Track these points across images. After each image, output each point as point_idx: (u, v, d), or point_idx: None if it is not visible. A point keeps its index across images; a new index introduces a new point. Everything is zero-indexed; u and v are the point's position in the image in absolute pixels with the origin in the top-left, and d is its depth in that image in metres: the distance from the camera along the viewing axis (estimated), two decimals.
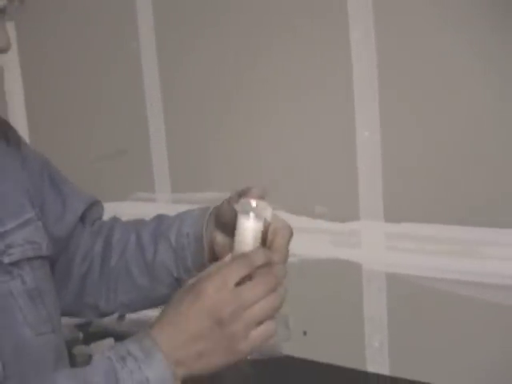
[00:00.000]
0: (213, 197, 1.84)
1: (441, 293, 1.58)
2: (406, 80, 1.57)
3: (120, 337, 1.91)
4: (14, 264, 1.05)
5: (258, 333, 0.87)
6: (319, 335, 1.81)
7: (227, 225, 1.00)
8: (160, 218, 1.18)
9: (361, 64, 1.61)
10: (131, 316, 2.03)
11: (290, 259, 1.89)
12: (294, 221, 1.75)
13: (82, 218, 1.22)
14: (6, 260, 1.04)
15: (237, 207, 0.94)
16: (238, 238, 0.92)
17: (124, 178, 2.12)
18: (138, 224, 1.20)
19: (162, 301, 1.16)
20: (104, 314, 1.23)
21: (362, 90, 1.63)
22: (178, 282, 1.13)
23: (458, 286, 1.56)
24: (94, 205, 1.24)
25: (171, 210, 1.23)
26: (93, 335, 2.04)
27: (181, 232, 1.12)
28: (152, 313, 1.99)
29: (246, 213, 0.92)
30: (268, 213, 0.93)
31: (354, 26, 1.60)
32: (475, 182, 1.52)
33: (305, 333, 1.84)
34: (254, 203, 0.92)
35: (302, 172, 1.77)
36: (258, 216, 0.92)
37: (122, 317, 2.07)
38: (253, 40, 1.78)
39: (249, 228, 0.92)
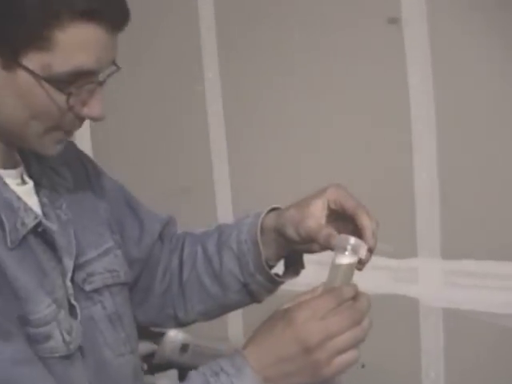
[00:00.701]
0: None
1: (497, 327, 1.64)
2: (462, 122, 1.64)
3: (182, 368, 1.99)
4: (95, 291, 1.13)
5: (340, 361, 0.95)
6: (377, 368, 1.86)
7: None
8: (220, 229, 1.27)
9: (419, 107, 1.69)
10: (193, 348, 2.12)
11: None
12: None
13: (160, 237, 1.30)
14: (88, 288, 1.12)
15: (333, 243, 1.01)
16: (331, 272, 0.99)
17: (187, 216, 2.20)
18: (202, 236, 1.29)
19: (234, 307, 1.28)
20: (184, 324, 1.32)
21: (419, 133, 1.70)
22: (246, 287, 1.22)
23: None
24: (169, 223, 1.33)
25: None
26: (157, 366, 2.11)
27: (240, 240, 1.20)
28: (214, 345, 2.08)
29: (343, 248, 0.99)
30: (363, 251, 1.00)
31: (412, 71, 1.68)
32: None
33: (363, 365, 1.89)
34: (351, 240, 0.99)
35: None
36: (353, 252, 0.99)
37: (184, 349, 2.16)
38: (315, 82, 1.87)
39: (343, 263, 0.99)
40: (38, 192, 1.11)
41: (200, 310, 1.28)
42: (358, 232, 1.06)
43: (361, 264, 1.03)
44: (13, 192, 1.05)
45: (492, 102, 1.60)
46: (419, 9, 1.64)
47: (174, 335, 2.11)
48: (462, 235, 1.68)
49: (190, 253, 1.28)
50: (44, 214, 1.09)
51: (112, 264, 1.17)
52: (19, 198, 1.05)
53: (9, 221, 1.02)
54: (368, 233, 1.06)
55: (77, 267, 1.11)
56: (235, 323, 2.13)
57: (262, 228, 1.17)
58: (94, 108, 1.03)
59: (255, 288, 1.22)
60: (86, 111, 1.03)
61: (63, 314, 1.05)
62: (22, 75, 0.98)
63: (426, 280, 1.75)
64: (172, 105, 2.21)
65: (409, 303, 1.78)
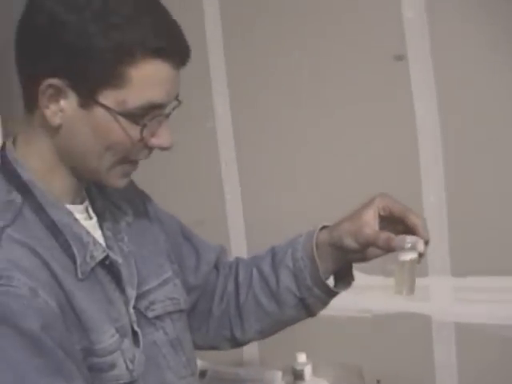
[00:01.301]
0: None
1: (508, 339, 1.75)
2: (468, 148, 1.77)
3: None
4: (157, 318, 1.21)
5: None
6: (392, 383, 1.96)
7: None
8: (273, 251, 1.36)
9: (425, 136, 1.81)
10: (211, 374, 2.20)
11: (364, 315, 2.07)
12: (367, 279, 1.95)
13: (215, 265, 1.40)
14: (150, 315, 1.19)
15: (394, 244, 1.14)
16: (398, 270, 1.12)
17: None
18: (255, 260, 1.39)
19: (289, 322, 1.38)
20: (241, 344, 1.41)
21: (427, 160, 1.83)
22: (302, 302, 1.31)
23: None
24: (222, 252, 1.43)
25: None
26: None
27: (296, 257, 1.30)
28: (231, 370, 2.16)
29: (403, 247, 1.12)
30: (421, 245, 1.13)
31: (419, 104, 1.81)
32: None
33: (378, 382, 1.99)
34: (409, 239, 1.13)
35: None
36: (412, 249, 1.11)
37: (203, 374, 2.23)
38: (326, 118, 1.99)
39: (407, 260, 1.12)
40: (101, 226, 1.18)
41: (257, 328, 1.37)
42: (409, 231, 1.17)
43: (421, 257, 1.15)
44: (83, 227, 1.12)
45: (495, 128, 1.74)
46: (423, 45, 1.77)
47: None
48: (470, 253, 1.79)
49: (245, 276, 1.37)
50: (108, 246, 1.16)
51: (172, 292, 1.25)
52: (88, 233, 1.12)
53: (80, 254, 1.09)
54: (420, 229, 1.17)
55: (140, 296, 1.18)
56: (250, 348, 2.21)
57: (316, 244, 1.27)
58: (163, 138, 1.11)
59: (312, 301, 1.31)
60: (155, 141, 1.11)
61: (126, 343, 1.12)
62: (98, 111, 1.05)
63: (438, 297, 1.85)
64: (184, 140, 2.29)
65: (421, 320, 1.88)
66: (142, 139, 1.09)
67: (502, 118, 1.73)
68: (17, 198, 1.09)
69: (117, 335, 1.10)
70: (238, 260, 1.42)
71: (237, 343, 1.41)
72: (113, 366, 1.09)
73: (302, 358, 1.99)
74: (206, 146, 2.24)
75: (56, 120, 1.07)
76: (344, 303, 1.98)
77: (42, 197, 1.10)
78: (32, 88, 1.07)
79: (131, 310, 1.15)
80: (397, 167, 1.88)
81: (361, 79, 1.89)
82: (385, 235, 1.18)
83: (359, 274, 1.94)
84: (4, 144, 1.15)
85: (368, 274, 1.94)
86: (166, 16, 1.09)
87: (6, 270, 0.99)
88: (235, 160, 2.18)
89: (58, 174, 1.12)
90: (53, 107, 1.07)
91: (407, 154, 1.85)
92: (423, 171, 1.84)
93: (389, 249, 1.18)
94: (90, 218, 1.18)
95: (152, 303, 1.21)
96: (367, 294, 1.96)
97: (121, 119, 1.06)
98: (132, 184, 1.31)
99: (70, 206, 1.13)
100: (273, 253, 1.36)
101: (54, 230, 1.09)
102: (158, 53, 1.05)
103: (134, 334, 1.15)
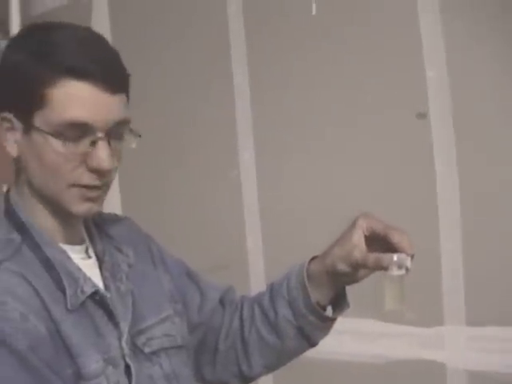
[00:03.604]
0: None
1: None
2: (485, 199, 1.86)
3: None
4: (153, 353, 1.28)
5: None
6: None
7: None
8: (271, 285, 1.42)
9: (444, 190, 1.90)
10: None
11: (378, 361, 2.14)
12: (382, 327, 2.02)
13: (221, 302, 1.46)
14: (147, 350, 1.27)
15: (382, 263, 1.20)
16: (387, 287, 1.19)
17: None
18: (257, 296, 1.45)
19: (292, 354, 1.42)
20: (249, 379, 1.45)
21: (445, 210, 1.91)
22: (301, 332, 1.36)
23: None
24: (229, 291, 1.48)
25: None
26: None
27: (290, 287, 1.35)
28: None
29: (392, 266, 1.18)
30: (408, 262, 1.19)
31: (439, 160, 1.91)
32: None
33: None
34: (395, 257, 1.19)
35: None
36: (400, 266, 1.18)
37: None
38: (349, 170, 2.08)
39: (395, 279, 1.18)
40: (100, 267, 1.27)
41: (262, 362, 1.42)
42: (393, 247, 1.23)
43: (407, 271, 1.20)
44: (75, 264, 1.21)
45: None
46: (445, 104, 1.88)
47: None
48: (485, 304, 1.87)
49: (248, 312, 1.43)
50: (105, 286, 1.25)
51: (170, 330, 1.32)
52: (80, 269, 1.21)
53: (70, 287, 1.18)
54: (405, 245, 1.22)
55: (138, 332, 1.26)
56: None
57: (309, 273, 1.33)
58: (99, 159, 1.16)
59: (309, 330, 1.36)
60: (91, 163, 1.16)
61: (111, 369, 1.19)
62: (35, 135, 1.15)
63: (452, 345, 1.93)
64: (209, 188, 2.38)
65: (435, 367, 1.95)
66: (74, 159, 1.16)
67: None
68: (17, 237, 1.19)
69: (101, 361, 1.18)
70: (243, 298, 1.48)
71: (245, 379, 1.45)
72: None
73: None
74: (231, 194, 2.32)
75: (14, 151, 1.18)
76: (359, 349, 2.07)
77: (38, 236, 1.20)
78: None
79: (124, 345, 1.23)
80: (416, 218, 1.96)
81: (383, 135, 1.99)
82: (373, 256, 1.24)
83: (374, 322, 2.03)
84: (8, 189, 1.26)
85: (383, 322, 2.03)
86: (97, 43, 1.18)
87: (0, 296, 1.11)
88: (257, 206, 2.26)
89: (41, 211, 1.22)
90: (10, 139, 1.18)
91: (426, 206, 1.94)
92: (441, 223, 1.92)
93: (378, 268, 1.23)
94: (89, 257, 1.27)
95: (149, 339, 1.28)
96: (382, 341, 2.03)
97: (51, 139, 1.14)
98: (137, 230, 1.41)
99: (65, 246, 1.23)
100: (271, 287, 1.42)
101: (49, 265, 1.19)
102: (74, 73, 1.13)
103: (127, 366, 1.23)
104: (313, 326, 1.36)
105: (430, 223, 1.93)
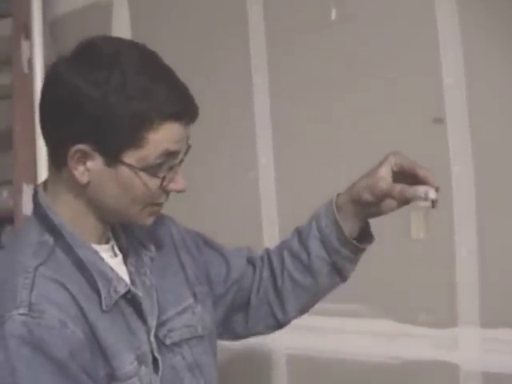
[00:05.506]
0: None
1: None
2: (501, 206, 1.88)
3: None
4: (175, 344, 1.34)
5: None
6: None
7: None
8: (298, 230, 1.49)
9: (460, 196, 1.93)
10: None
11: (392, 361, 2.17)
12: (397, 327, 2.04)
13: (249, 262, 1.53)
14: (168, 342, 1.33)
15: (407, 194, 1.28)
16: (414, 218, 1.27)
17: None
18: (284, 244, 1.51)
19: (326, 292, 1.50)
20: (283, 325, 1.53)
21: (460, 213, 1.94)
22: (334, 267, 1.43)
23: None
24: (250, 250, 1.55)
25: None
26: None
27: (320, 226, 1.43)
28: None
29: (417, 197, 1.26)
30: (433, 193, 1.28)
31: (455, 165, 1.93)
32: None
33: None
34: (422, 188, 1.28)
35: (405, 284, 2.06)
36: (425, 197, 1.26)
37: None
38: None
39: (422, 207, 1.26)
40: (125, 262, 1.34)
41: (297, 306, 1.49)
42: (420, 183, 1.32)
43: (433, 204, 1.29)
44: (107, 264, 1.27)
45: None
46: (462, 110, 1.90)
47: None
48: (500, 305, 1.89)
49: (277, 261, 1.49)
50: (131, 280, 1.31)
51: (190, 320, 1.38)
52: (112, 270, 1.27)
53: (104, 288, 1.24)
54: (430, 179, 1.32)
55: (159, 324, 1.32)
56: None
57: (337, 207, 1.41)
58: (179, 183, 1.27)
59: (342, 264, 1.43)
60: (173, 186, 1.27)
61: (144, 369, 1.26)
62: (122, 169, 1.22)
63: (466, 347, 1.95)
64: (227, 192, 2.41)
65: (449, 368, 1.97)
66: (160, 187, 1.25)
67: None
68: (49, 239, 1.24)
69: (135, 362, 1.24)
70: (267, 250, 1.55)
71: (279, 326, 1.53)
72: None
73: None
74: (249, 197, 2.35)
75: (84, 179, 1.23)
76: (373, 349, 2.10)
77: (71, 238, 1.25)
78: (59, 151, 1.23)
79: (152, 339, 1.29)
80: (431, 221, 1.99)
81: (400, 140, 2.01)
82: (399, 186, 1.33)
83: (390, 322, 2.06)
84: (35, 190, 1.31)
85: (398, 322, 2.06)
86: (177, 82, 1.25)
87: (39, 305, 1.16)
88: (276, 213, 2.29)
89: (85, 220, 1.27)
90: (80, 168, 1.22)
91: (442, 210, 1.94)
92: (457, 226, 1.95)
93: (403, 198, 1.32)
94: (116, 255, 1.33)
95: (170, 331, 1.34)
96: (396, 342, 2.06)
97: (142, 174, 1.22)
98: (158, 218, 1.44)
99: (96, 246, 1.28)
100: (298, 232, 1.48)
101: (82, 267, 1.24)
102: (172, 117, 1.22)
103: (155, 360, 1.29)
104: (345, 259, 1.43)
105: (445, 227, 1.96)
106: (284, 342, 2.25)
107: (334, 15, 2.10)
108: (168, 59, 1.30)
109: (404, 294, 2.06)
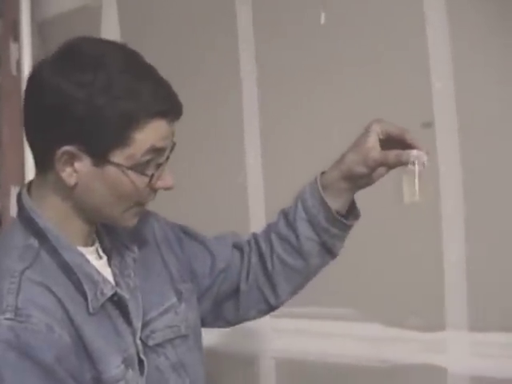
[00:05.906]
0: None
1: None
2: (490, 210, 1.89)
3: None
4: (158, 345, 1.33)
5: None
6: None
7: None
8: (284, 212, 1.47)
9: (448, 200, 1.93)
10: None
11: (381, 365, 2.17)
12: (385, 331, 2.04)
13: (236, 247, 1.51)
14: (151, 343, 1.32)
15: (403, 159, 1.28)
16: (407, 181, 1.27)
17: None
18: (270, 227, 1.49)
19: (316, 273, 1.48)
20: (275, 309, 1.51)
21: (449, 217, 1.95)
22: (324, 246, 1.42)
23: None
24: (234, 235, 1.54)
25: None
26: None
27: (307, 206, 1.41)
28: None
29: (411, 160, 1.27)
30: (425, 158, 1.28)
31: (443, 169, 1.93)
32: None
33: None
34: (414, 152, 1.28)
35: (393, 288, 2.06)
36: (418, 161, 1.27)
37: None
38: None
39: (413, 173, 1.27)
40: (109, 264, 1.32)
41: (288, 289, 1.48)
42: (407, 148, 1.31)
43: (424, 167, 1.29)
44: (93, 266, 1.26)
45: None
46: (450, 114, 1.91)
47: None
48: (487, 309, 1.90)
49: (265, 245, 1.48)
50: (116, 282, 1.30)
51: (173, 321, 1.37)
52: (99, 272, 1.26)
53: (90, 291, 1.23)
54: (419, 143, 1.32)
55: (142, 326, 1.31)
56: None
57: (323, 186, 1.39)
58: (166, 180, 1.27)
59: (331, 243, 1.42)
60: (161, 184, 1.26)
61: (131, 373, 1.25)
62: (109, 169, 1.21)
63: (454, 350, 1.96)
64: (214, 195, 2.41)
65: (437, 372, 1.98)
66: (148, 185, 1.25)
67: None
68: (34, 242, 1.23)
69: (122, 366, 1.23)
70: (254, 235, 1.52)
71: (271, 310, 1.51)
72: None
73: None
74: (236, 201, 2.35)
75: (72, 180, 1.22)
76: (362, 353, 2.10)
77: (56, 241, 1.24)
78: (45, 154, 1.22)
79: (138, 341, 1.29)
80: (419, 226, 2.00)
81: None
82: (393, 153, 1.32)
83: (378, 326, 2.06)
84: (19, 193, 1.30)
85: (386, 326, 2.06)
86: (160, 80, 1.25)
87: (25, 309, 1.15)
88: (264, 212, 2.29)
89: (71, 222, 1.26)
90: (68, 170, 1.22)
91: (430, 214, 1.97)
92: (445, 232, 1.95)
93: (398, 164, 1.31)
94: (100, 257, 1.32)
95: (152, 332, 1.33)
96: (385, 346, 2.07)
97: (130, 173, 1.22)
98: (142, 217, 1.42)
99: (81, 249, 1.27)
100: (284, 213, 1.46)
101: (68, 270, 1.23)
102: (158, 115, 1.21)
103: (140, 361, 1.28)
104: (335, 238, 1.42)
105: (433, 232, 1.97)
106: (272, 346, 2.26)
107: (323, 19, 2.10)
108: (157, 60, 1.29)
109: (392, 298, 2.06)
